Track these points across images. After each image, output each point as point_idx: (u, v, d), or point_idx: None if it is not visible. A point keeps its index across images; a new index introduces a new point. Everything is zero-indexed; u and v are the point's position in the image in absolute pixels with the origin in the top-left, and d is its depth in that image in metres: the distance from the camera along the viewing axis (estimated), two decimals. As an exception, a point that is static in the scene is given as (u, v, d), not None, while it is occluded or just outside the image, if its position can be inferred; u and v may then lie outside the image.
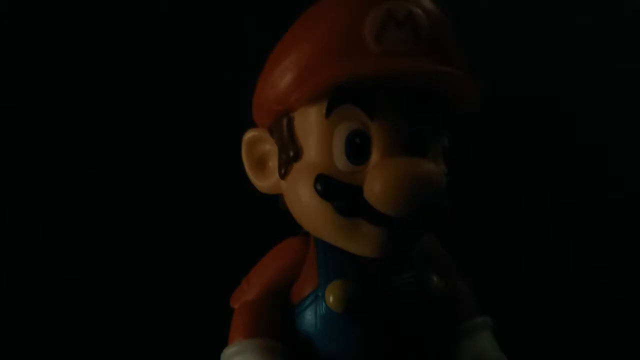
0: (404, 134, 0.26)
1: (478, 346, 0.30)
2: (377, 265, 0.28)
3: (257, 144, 0.29)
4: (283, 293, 0.29)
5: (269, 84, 0.28)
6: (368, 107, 0.26)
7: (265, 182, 0.29)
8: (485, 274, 0.34)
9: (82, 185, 0.47)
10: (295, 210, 0.28)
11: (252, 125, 0.30)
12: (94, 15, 0.47)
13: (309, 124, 0.27)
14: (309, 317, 0.28)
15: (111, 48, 0.47)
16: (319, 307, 0.28)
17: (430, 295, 0.29)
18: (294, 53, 0.27)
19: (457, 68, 0.26)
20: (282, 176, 0.28)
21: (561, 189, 0.51)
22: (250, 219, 0.43)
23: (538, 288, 0.49)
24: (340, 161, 0.26)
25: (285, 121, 0.28)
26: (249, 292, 0.30)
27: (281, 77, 0.27)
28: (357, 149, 0.26)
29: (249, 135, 0.29)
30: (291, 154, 0.27)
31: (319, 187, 0.26)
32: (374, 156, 0.26)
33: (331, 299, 0.27)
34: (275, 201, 0.30)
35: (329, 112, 0.26)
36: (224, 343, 0.29)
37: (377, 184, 0.25)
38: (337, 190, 0.26)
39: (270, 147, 0.29)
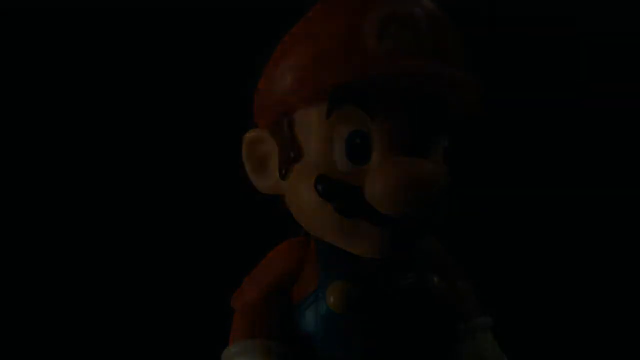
0: (405, 134, 0.26)
1: (478, 346, 0.30)
2: (378, 266, 0.28)
3: (257, 144, 0.29)
4: (284, 294, 0.29)
5: (270, 84, 0.27)
6: (369, 107, 0.26)
7: (265, 182, 0.29)
8: (485, 274, 0.34)
9: (82, 185, 0.48)
10: (295, 210, 0.28)
11: (252, 125, 0.30)
12: (94, 15, 0.47)
13: (310, 124, 0.27)
14: (309, 318, 0.28)
15: (111, 48, 0.47)
16: (319, 307, 0.28)
17: (431, 296, 0.28)
18: (295, 54, 0.27)
19: (459, 69, 0.26)
20: (283, 177, 0.28)
21: (561, 189, 0.51)
22: (251, 220, 0.43)
23: (538, 288, 0.49)
24: (341, 162, 0.26)
25: (285, 122, 0.28)
26: (249, 292, 0.30)
27: (282, 77, 0.27)
28: (358, 150, 0.26)
29: (250, 135, 0.29)
30: (292, 154, 0.27)
31: (319, 188, 0.26)
32: (375, 157, 0.26)
33: (332, 299, 0.27)
34: (275, 201, 0.30)
35: (329, 113, 0.26)
36: (224, 343, 0.29)
37: (377, 184, 0.25)
38: (337, 191, 0.26)
39: (270, 148, 0.29)
